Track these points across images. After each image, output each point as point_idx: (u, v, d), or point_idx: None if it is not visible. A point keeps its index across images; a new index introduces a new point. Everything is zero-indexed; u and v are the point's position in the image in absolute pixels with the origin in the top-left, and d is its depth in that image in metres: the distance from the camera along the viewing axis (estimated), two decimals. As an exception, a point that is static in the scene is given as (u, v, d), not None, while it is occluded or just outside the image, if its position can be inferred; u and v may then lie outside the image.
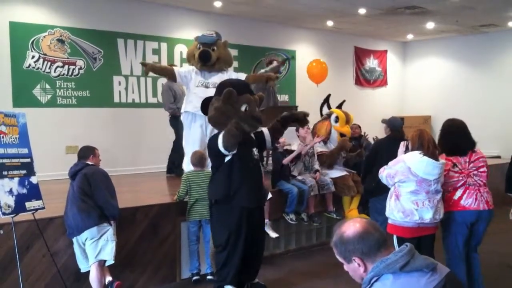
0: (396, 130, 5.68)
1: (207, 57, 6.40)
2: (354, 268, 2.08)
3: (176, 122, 7.98)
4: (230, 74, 6.61)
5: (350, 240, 2.06)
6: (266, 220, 5.69)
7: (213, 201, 4.75)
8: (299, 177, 6.45)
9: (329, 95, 7.33)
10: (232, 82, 4.91)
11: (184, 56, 8.28)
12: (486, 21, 11.97)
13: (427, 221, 4.06)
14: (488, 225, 4.43)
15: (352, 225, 2.09)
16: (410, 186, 4.06)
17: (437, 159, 4.08)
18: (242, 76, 6.46)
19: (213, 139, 4.66)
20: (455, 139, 4.42)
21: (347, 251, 2.07)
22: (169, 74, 6.70)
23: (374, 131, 9.85)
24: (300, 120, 5.30)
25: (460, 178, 4.32)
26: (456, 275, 2.21)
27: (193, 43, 6.77)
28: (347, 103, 7.52)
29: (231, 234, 4.60)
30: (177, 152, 8.10)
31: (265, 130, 4.91)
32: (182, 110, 6.62)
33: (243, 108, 4.57)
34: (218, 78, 6.35)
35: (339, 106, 7.16)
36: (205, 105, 4.82)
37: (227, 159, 4.54)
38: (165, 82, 8.43)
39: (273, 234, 5.90)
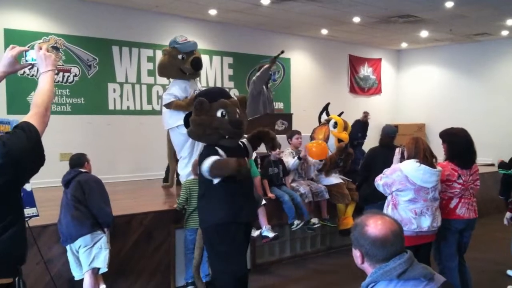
0: (388, 137, 5.71)
1: (201, 64, 6.27)
2: (355, 254, 2.13)
3: None
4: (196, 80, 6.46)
5: (364, 236, 2.07)
6: (265, 226, 5.69)
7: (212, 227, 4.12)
8: (293, 184, 6.46)
9: (328, 104, 7.48)
10: (203, 92, 4.67)
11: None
12: (479, 30, 12.07)
13: (425, 229, 4.05)
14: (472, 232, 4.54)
15: (376, 226, 2.06)
16: (408, 195, 4.04)
17: (434, 167, 4.08)
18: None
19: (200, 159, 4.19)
20: (468, 151, 4.42)
21: (357, 241, 2.10)
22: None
23: (368, 139, 9.92)
24: (265, 139, 4.63)
25: (460, 190, 4.34)
26: (452, 285, 2.22)
27: (166, 52, 6.37)
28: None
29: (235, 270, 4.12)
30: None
31: (245, 140, 4.59)
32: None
33: (219, 114, 4.19)
34: (197, 83, 6.34)
35: (339, 115, 7.28)
36: (187, 123, 4.45)
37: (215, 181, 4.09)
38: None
39: (271, 234, 5.82)
